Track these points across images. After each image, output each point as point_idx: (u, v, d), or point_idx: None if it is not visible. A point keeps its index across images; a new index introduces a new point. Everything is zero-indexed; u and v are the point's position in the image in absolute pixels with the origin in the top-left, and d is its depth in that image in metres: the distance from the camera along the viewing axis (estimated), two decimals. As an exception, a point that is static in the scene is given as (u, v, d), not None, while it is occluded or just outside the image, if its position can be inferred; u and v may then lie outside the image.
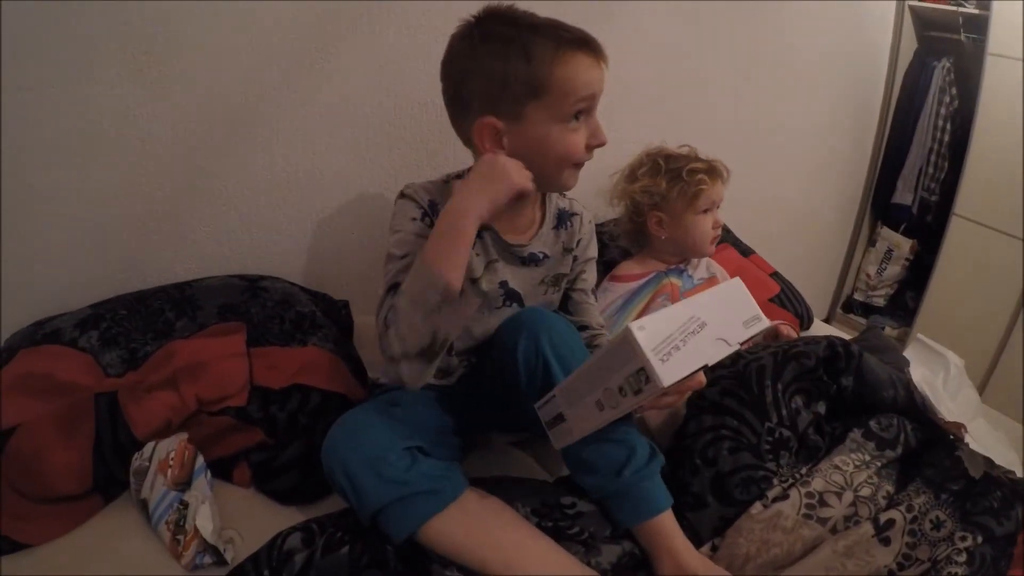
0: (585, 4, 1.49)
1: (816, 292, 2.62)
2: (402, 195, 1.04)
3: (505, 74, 0.93)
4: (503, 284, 1.07)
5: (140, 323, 1.12)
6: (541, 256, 1.09)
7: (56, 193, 1.12)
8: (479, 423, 1.11)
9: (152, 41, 1.11)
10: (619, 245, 1.55)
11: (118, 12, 1.07)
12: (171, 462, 0.93)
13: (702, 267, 1.50)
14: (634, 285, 1.43)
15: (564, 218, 1.14)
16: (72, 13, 1.04)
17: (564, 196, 1.15)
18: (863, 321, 2.68)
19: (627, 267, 1.48)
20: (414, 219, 1.00)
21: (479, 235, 1.00)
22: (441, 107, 1.02)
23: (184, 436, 0.97)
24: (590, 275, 1.20)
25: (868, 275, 2.66)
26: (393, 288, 0.93)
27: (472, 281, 1.05)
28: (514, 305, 1.09)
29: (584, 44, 0.95)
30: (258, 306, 1.17)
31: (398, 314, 0.88)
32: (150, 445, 0.95)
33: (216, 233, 1.28)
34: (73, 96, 1.08)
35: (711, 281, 1.48)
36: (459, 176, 1.07)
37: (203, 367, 1.02)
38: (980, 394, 2.18)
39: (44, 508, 0.92)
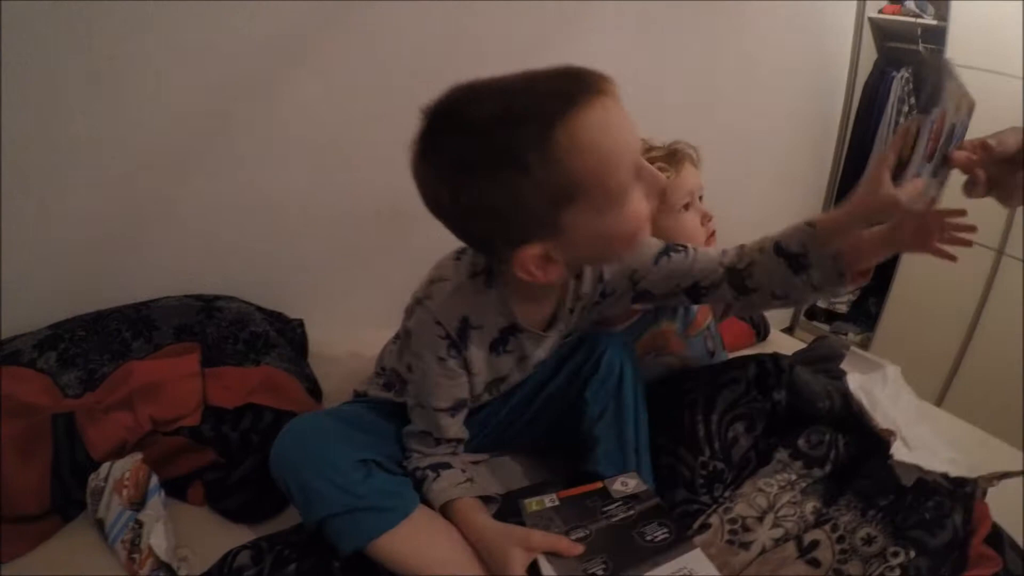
0: (538, 20, 1.52)
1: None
2: (427, 313, 0.88)
3: (517, 201, 0.71)
4: (537, 364, 1.01)
5: (98, 344, 1.14)
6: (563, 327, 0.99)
7: (15, 215, 1.13)
8: None
9: (112, 63, 1.13)
10: None
11: (80, 34, 1.09)
12: (126, 482, 0.94)
13: None
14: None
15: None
16: (33, 35, 1.06)
17: None
18: (826, 328, 2.72)
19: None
20: (442, 360, 0.89)
21: (512, 333, 0.93)
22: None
23: (139, 456, 0.99)
24: (648, 254, 0.96)
25: (831, 282, 2.70)
26: (426, 436, 0.95)
27: (498, 379, 0.99)
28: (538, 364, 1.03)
29: (578, 96, 0.69)
30: (213, 326, 1.20)
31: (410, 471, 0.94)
32: (106, 465, 0.97)
33: (175, 253, 1.30)
34: (33, 119, 1.10)
35: (702, 310, 1.24)
36: (488, 273, 0.89)
37: (158, 388, 1.05)
38: (942, 397, 2.25)
39: (5, 527, 0.93)
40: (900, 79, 2.36)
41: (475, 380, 0.95)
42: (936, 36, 2.20)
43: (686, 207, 1.15)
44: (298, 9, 1.25)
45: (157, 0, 1.12)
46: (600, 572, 0.80)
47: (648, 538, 0.84)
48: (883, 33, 2.40)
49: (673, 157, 1.15)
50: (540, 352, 0.99)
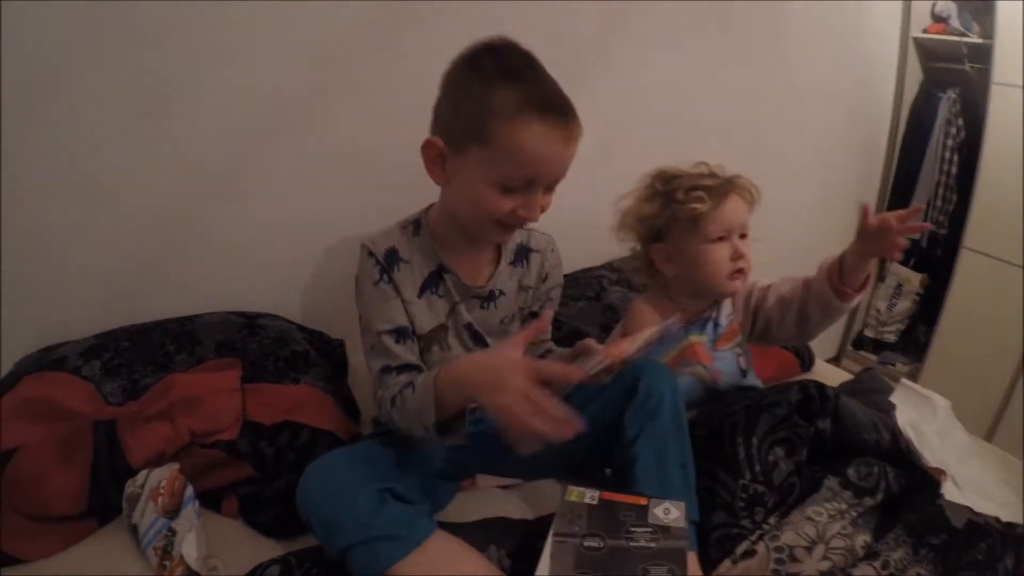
0: (585, 43, 1.53)
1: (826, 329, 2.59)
2: (362, 247, 1.04)
3: (464, 105, 0.92)
4: (468, 326, 1.10)
5: (141, 355, 1.16)
6: (499, 293, 1.11)
7: (65, 230, 1.17)
8: (470, 465, 1.13)
9: (160, 86, 1.16)
10: (620, 288, 1.47)
11: (127, 58, 1.12)
12: (162, 490, 0.96)
13: (726, 305, 1.27)
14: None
15: (522, 254, 1.14)
16: (86, 54, 1.10)
17: (524, 228, 1.10)
18: (874, 358, 2.65)
19: (639, 317, 1.25)
20: (376, 282, 1.01)
21: (441, 277, 1.06)
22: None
23: (176, 466, 1.00)
24: (555, 303, 1.21)
25: (878, 311, 2.64)
26: (386, 371, 1.00)
27: (441, 327, 1.07)
28: (478, 346, 1.10)
29: (551, 111, 0.89)
30: (255, 343, 1.21)
31: (395, 417, 0.96)
32: (143, 473, 0.98)
33: (218, 271, 1.32)
34: (81, 139, 1.13)
35: (731, 326, 1.27)
36: (416, 223, 1.07)
37: (198, 401, 1.06)
38: (992, 429, 2.16)
39: (40, 526, 0.96)
40: (947, 100, 2.30)
41: (413, 311, 1.03)
42: (982, 54, 2.14)
43: (720, 239, 1.17)
44: (339, 31, 1.28)
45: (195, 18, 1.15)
46: None
47: None
48: (928, 53, 2.34)
49: (719, 189, 1.16)
50: (474, 314, 1.08)
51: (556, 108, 0.90)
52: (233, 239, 1.32)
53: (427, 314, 1.05)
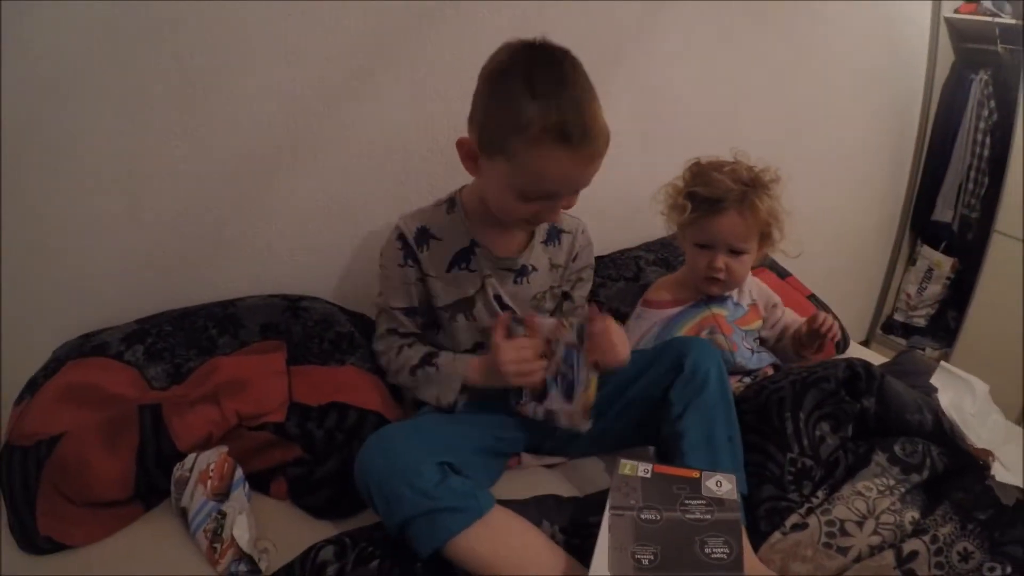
0: (620, 25, 1.52)
1: (855, 313, 2.59)
2: (395, 227, 1.13)
3: (493, 117, 0.96)
4: (497, 299, 1.15)
5: (184, 339, 1.16)
6: (531, 269, 1.15)
7: (107, 214, 1.17)
8: (517, 443, 1.14)
9: (200, 71, 1.16)
10: (657, 268, 1.51)
11: (168, 45, 1.12)
12: (211, 473, 0.96)
13: (746, 292, 1.38)
14: (669, 312, 1.34)
15: (554, 234, 1.20)
16: (122, 42, 1.09)
17: None
18: (903, 342, 2.62)
19: (657, 291, 1.39)
20: (400, 265, 1.11)
21: (472, 253, 1.12)
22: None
23: (224, 449, 1.01)
24: (587, 284, 1.28)
25: (908, 295, 2.61)
26: (392, 332, 1.16)
27: (466, 299, 1.13)
28: (512, 322, 1.11)
29: (570, 140, 0.92)
30: (299, 325, 1.21)
31: (408, 380, 1.12)
32: (191, 456, 0.99)
33: (259, 255, 1.32)
34: (125, 124, 1.14)
35: (752, 309, 1.37)
36: (451, 201, 1.14)
37: (244, 383, 1.06)
38: (1024, 414, 2.13)
39: (86, 512, 0.96)
40: (980, 82, 2.26)
41: (436, 286, 1.12)
42: (1015, 35, 2.10)
43: (703, 247, 1.25)
44: (382, 14, 1.27)
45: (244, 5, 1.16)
46: (645, 561, 0.80)
47: (707, 551, 0.82)
48: (960, 34, 2.30)
49: (716, 203, 1.21)
50: (506, 287, 1.14)
51: (575, 136, 0.92)
52: (273, 223, 1.32)
53: (453, 287, 1.13)
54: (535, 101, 0.92)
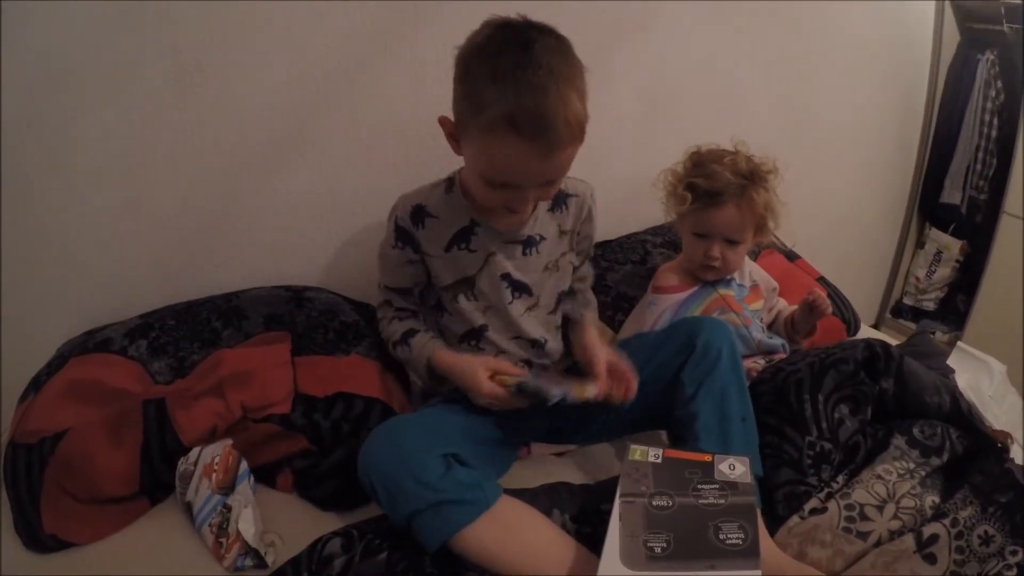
0: (623, 5, 1.50)
1: (864, 296, 2.57)
2: (392, 208, 1.11)
3: (462, 97, 0.92)
4: (506, 276, 1.09)
5: (188, 332, 1.15)
6: (539, 238, 1.10)
7: (108, 208, 1.16)
8: (526, 433, 1.12)
9: (199, 62, 1.14)
10: (664, 251, 1.51)
11: (165, 35, 1.11)
12: (216, 467, 0.96)
13: (746, 273, 1.41)
14: (680, 296, 1.35)
15: (560, 200, 1.13)
16: (119, 34, 1.08)
17: None
18: (913, 326, 2.60)
19: (665, 276, 1.40)
20: (394, 247, 1.09)
21: (472, 232, 1.07)
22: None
23: (229, 442, 1.00)
24: (584, 255, 1.24)
25: (917, 278, 2.59)
26: (387, 304, 1.17)
27: (466, 280, 1.09)
28: (524, 296, 1.10)
29: (525, 129, 0.86)
30: (303, 316, 1.20)
31: (400, 352, 1.14)
32: (196, 450, 0.98)
33: (262, 247, 1.31)
34: (123, 116, 1.12)
35: (753, 290, 1.40)
36: (449, 180, 1.10)
37: (248, 375, 1.05)
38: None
39: (92, 509, 0.95)
40: (986, 62, 2.24)
41: (438, 265, 1.09)
42: (1020, 14, 2.08)
43: (700, 236, 1.28)
44: (383, 2, 1.25)
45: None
46: (657, 549, 0.78)
47: (721, 536, 0.80)
48: (965, 14, 2.27)
49: (716, 196, 1.23)
50: (514, 261, 1.09)
51: (533, 126, 0.86)
52: (275, 215, 1.30)
53: (452, 267, 1.09)
54: (493, 85, 0.86)
